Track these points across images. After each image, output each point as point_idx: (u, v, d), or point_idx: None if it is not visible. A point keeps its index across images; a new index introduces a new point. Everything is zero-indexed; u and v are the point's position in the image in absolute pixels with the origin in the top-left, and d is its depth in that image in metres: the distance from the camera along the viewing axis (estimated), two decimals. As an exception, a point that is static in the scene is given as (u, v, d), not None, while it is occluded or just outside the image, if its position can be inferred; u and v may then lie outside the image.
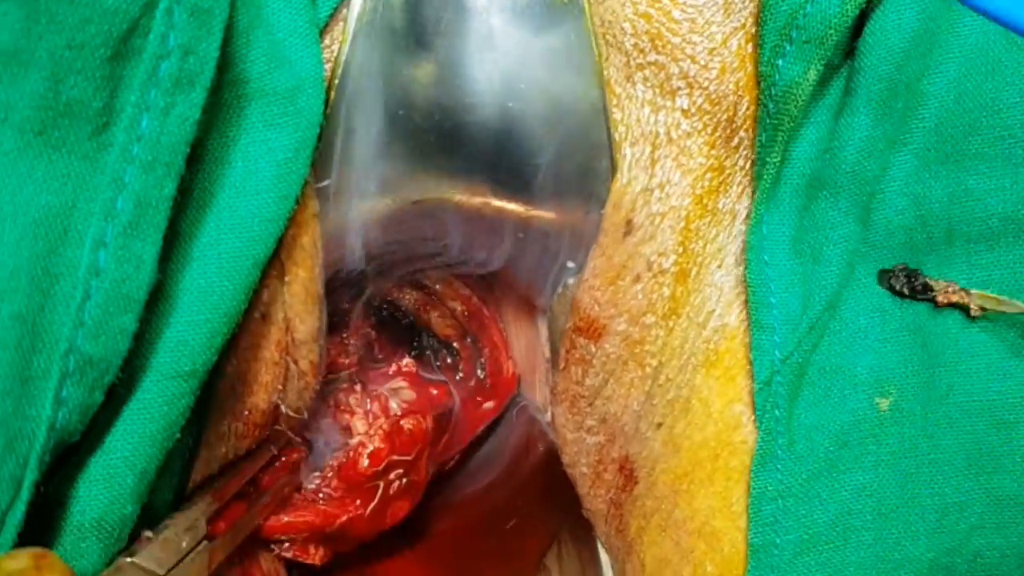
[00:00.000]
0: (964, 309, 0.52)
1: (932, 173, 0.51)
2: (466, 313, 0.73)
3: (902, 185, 0.51)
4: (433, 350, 0.73)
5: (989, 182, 0.51)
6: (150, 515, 0.48)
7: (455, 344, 0.73)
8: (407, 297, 0.73)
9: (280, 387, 0.54)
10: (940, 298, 0.51)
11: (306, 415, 0.57)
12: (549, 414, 0.65)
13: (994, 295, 0.51)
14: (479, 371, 0.73)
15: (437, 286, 0.73)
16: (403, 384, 0.69)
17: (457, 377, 0.73)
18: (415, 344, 0.73)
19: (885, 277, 0.52)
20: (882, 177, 0.50)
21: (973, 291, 0.51)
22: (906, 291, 0.52)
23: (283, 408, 0.55)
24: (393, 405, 0.67)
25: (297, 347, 0.53)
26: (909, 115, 0.50)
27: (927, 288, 0.51)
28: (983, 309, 0.51)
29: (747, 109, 0.52)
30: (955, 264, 0.52)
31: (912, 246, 0.52)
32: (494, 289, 0.73)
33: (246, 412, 0.52)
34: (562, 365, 0.60)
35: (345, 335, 0.68)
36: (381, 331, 0.72)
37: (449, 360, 0.73)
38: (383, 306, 0.73)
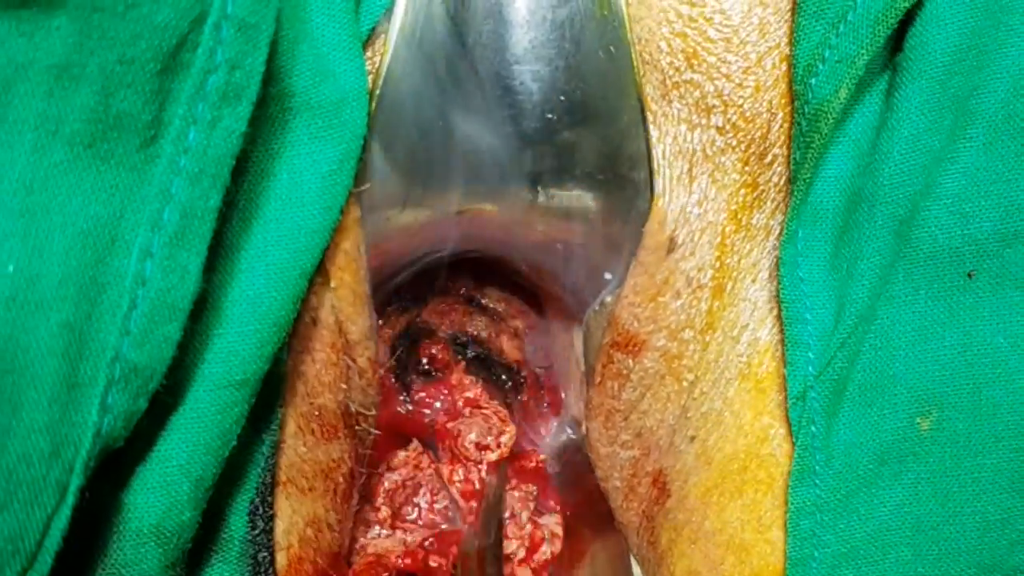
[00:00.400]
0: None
1: (982, 192, 0.50)
2: (526, 330, 0.74)
3: (949, 203, 0.50)
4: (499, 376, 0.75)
5: None
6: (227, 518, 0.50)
7: (523, 370, 0.75)
8: (476, 322, 0.74)
9: (344, 386, 0.55)
10: None
11: (374, 411, 0.58)
12: (583, 428, 0.66)
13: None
14: (541, 391, 0.75)
15: (499, 305, 0.74)
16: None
17: (520, 399, 0.74)
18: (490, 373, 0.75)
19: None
20: (927, 194, 0.50)
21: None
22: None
23: (352, 407, 0.56)
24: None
25: (352, 347, 0.55)
26: (958, 133, 0.50)
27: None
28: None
29: (781, 127, 0.53)
30: (1021, 250, 0.51)
31: (958, 264, 0.51)
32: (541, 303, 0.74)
33: (316, 413, 0.53)
34: (598, 380, 0.61)
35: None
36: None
37: (511, 383, 0.74)
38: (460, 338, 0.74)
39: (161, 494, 0.45)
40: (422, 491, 0.71)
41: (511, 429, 0.71)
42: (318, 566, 0.55)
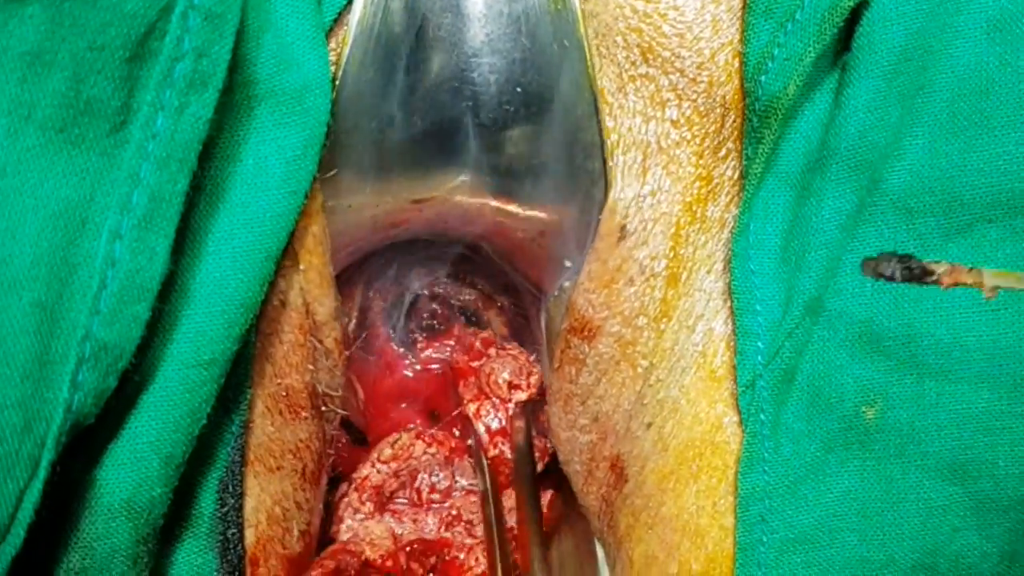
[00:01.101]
0: (974, 291, 0.51)
1: (927, 188, 0.51)
2: (510, 306, 0.76)
3: (895, 199, 0.51)
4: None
5: (1007, 152, 0.50)
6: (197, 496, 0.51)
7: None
8: (464, 295, 0.75)
9: (311, 367, 0.56)
10: (946, 280, 0.51)
11: (340, 392, 0.60)
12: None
13: (1013, 272, 0.51)
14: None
15: (484, 283, 0.76)
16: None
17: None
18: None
19: (870, 266, 0.52)
20: (873, 190, 0.51)
21: (986, 269, 0.51)
22: (899, 276, 0.52)
23: (319, 388, 0.57)
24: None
25: (319, 328, 0.56)
26: (904, 131, 0.51)
27: (926, 272, 0.51)
28: (997, 288, 0.51)
29: (734, 121, 0.54)
30: (963, 245, 0.51)
31: (913, 232, 0.52)
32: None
33: (284, 393, 0.55)
34: (556, 364, 0.62)
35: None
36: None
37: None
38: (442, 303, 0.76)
39: (131, 470, 0.47)
40: (419, 476, 0.73)
41: (538, 370, 0.73)
42: (286, 544, 0.56)
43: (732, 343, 0.56)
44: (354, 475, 0.72)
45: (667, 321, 0.57)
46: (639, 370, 0.58)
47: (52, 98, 0.42)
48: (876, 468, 0.53)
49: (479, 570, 0.71)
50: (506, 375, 0.72)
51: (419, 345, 0.76)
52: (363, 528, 0.70)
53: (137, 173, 0.44)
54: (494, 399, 0.73)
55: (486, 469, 0.70)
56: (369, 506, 0.71)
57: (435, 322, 0.76)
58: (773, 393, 0.53)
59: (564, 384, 0.62)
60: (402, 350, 0.76)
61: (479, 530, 0.72)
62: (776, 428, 0.53)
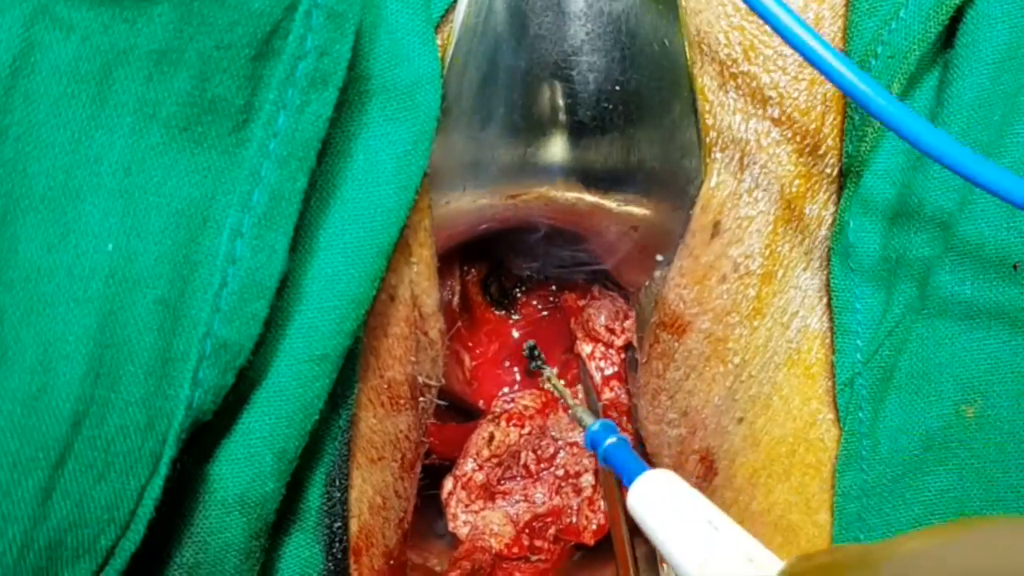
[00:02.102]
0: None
1: None
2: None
3: (1009, 161, 0.51)
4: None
5: None
6: (305, 489, 0.52)
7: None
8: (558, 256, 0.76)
9: (413, 358, 0.56)
10: None
11: (440, 382, 0.60)
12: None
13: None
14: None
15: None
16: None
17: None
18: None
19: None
20: (974, 187, 0.51)
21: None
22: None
23: (420, 379, 0.57)
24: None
25: (425, 320, 0.56)
26: (1006, 128, 0.51)
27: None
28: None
29: (834, 119, 0.54)
30: None
31: (1004, 255, 0.52)
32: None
33: (386, 386, 0.55)
34: (644, 359, 0.62)
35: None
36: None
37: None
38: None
39: (245, 465, 0.47)
40: (522, 454, 0.73)
41: (632, 315, 0.72)
42: (385, 534, 0.57)
43: (827, 340, 0.56)
44: (457, 472, 0.73)
45: (760, 318, 0.57)
46: (730, 366, 0.58)
47: (177, 97, 0.43)
48: (975, 467, 0.53)
49: (594, 526, 0.72)
50: (603, 320, 0.72)
51: (519, 299, 0.77)
52: (481, 520, 0.71)
53: (258, 171, 0.44)
54: (601, 343, 0.73)
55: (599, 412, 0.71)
56: (480, 503, 0.72)
57: (532, 273, 0.76)
58: (872, 391, 0.53)
59: (652, 379, 0.62)
60: (502, 313, 0.77)
61: (583, 479, 0.73)
62: (875, 426, 0.53)
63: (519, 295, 0.77)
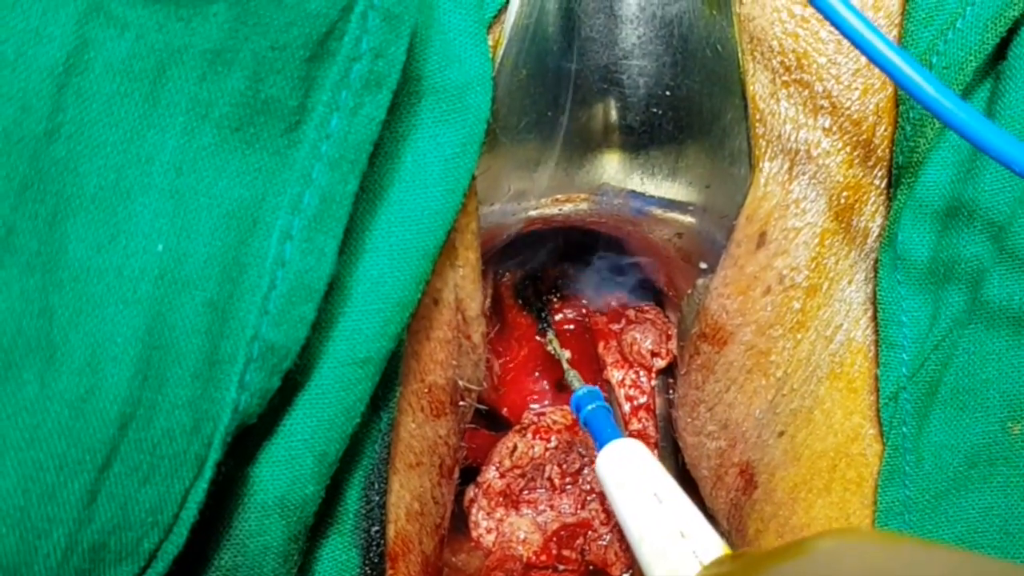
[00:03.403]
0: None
1: None
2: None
3: None
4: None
5: None
6: (344, 493, 0.51)
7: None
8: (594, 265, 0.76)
9: (455, 363, 0.56)
10: None
11: (481, 386, 0.60)
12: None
13: None
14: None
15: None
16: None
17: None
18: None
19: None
20: None
21: None
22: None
23: (461, 383, 0.57)
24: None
25: (469, 324, 0.56)
26: None
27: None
28: None
29: (885, 130, 0.54)
30: None
31: None
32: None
33: (427, 390, 0.55)
34: (683, 371, 0.62)
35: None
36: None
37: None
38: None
39: (286, 468, 0.46)
40: (547, 467, 0.73)
41: (674, 332, 0.72)
42: (422, 539, 0.56)
43: (871, 353, 0.55)
44: (480, 479, 0.73)
45: (804, 331, 0.56)
46: (772, 380, 0.58)
47: (230, 97, 0.42)
48: (1021, 485, 0.52)
49: (623, 563, 0.72)
50: (649, 344, 0.71)
51: (553, 306, 0.77)
52: (509, 527, 0.71)
53: (309, 174, 0.44)
54: (637, 368, 0.72)
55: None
56: (501, 511, 0.72)
57: (566, 282, 0.76)
58: (916, 406, 0.53)
59: (691, 391, 0.62)
60: (532, 318, 0.76)
61: None
62: (918, 441, 0.53)
63: (552, 302, 0.77)
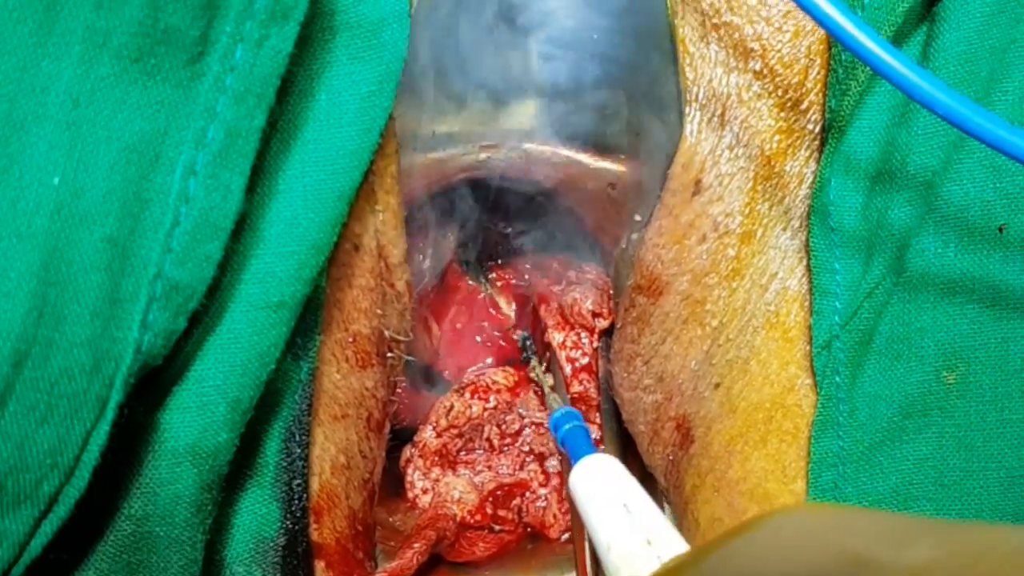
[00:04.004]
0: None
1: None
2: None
3: (981, 156, 0.50)
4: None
5: None
6: (263, 444, 0.50)
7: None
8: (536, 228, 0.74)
9: (380, 312, 0.55)
10: None
11: (408, 337, 0.58)
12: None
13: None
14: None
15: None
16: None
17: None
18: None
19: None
20: (960, 146, 0.50)
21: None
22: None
23: (388, 333, 0.56)
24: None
25: (392, 271, 0.54)
26: (994, 85, 0.49)
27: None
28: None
29: (818, 73, 0.53)
30: None
31: (989, 217, 0.50)
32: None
33: (351, 339, 0.53)
34: (619, 324, 0.61)
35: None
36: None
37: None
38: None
39: (197, 415, 0.45)
40: (486, 428, 0.72)
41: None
42: (349, 494, 0.55)
43: (807, 303, 0.54)
44: (416, 439, 0.72)
45: (739, 279, 0.55)
46: (707, 329, 0.57)
47: (129, 26, 0.41)
48: (956, 435, 0.51)
49: (561, 525, 0.71)
50: (589, 304, 0.70)
51: (493, 274, 0.75)
52: (445, 487, 0.70)
53: (214, 107, 0.43)
54: (579, 330, 0.71)
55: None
56: (437, 471, 0.71)
57: (509, 247, 0.74)
58: (850, 355, 0.52)
59: (627, 344, 0.61)
60: (474, 283, 0.75)
61: (549, 464, 0.72)
62: (852, 391, 0.52)
63: (493, 267, 0.76)
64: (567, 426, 0.56)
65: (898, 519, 0.30)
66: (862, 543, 0.28)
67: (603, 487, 0.48)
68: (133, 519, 0.45)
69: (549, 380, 0.70)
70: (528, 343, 0.73)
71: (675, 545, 0.43)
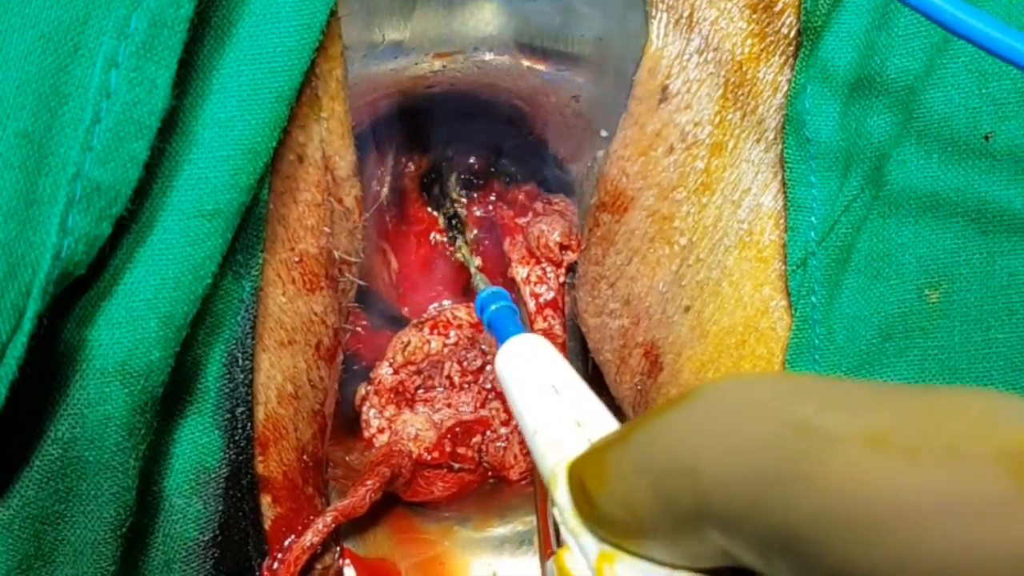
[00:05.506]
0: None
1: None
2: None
3: (967, 60, 0.47)
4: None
5: None
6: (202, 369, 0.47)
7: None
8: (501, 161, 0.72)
9: (327, 230, 0.51)
10: None
11: (359, 258, 0.55)
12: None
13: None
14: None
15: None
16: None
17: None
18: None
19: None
20: (943, 49, 0.47)
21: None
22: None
23: (337, 254, 0.52)
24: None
25: (339, 185, 0.51)
26: None
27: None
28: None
29: (793, -29, 0.50)
30: None
31: (974, 125, 0.48)
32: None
33: (297, 259, 0.50)
34: (584, 246, 0.58)
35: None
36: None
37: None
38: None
39: (127, 330, 0.42)
40: (446, 365, 0.69)
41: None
42: (297, 425, 0.52)
43: (782, 221, 0.51)
44: (372, 375, 0.69)
45: (709, 195, 0.52)
46: (676, 248, 0.54)
47: None
48: (939, 358, 0.49)
49: (522, 466, 0.69)
50: (557, 236, 0.67)
51: (456, 205, 0.72)
52: (402, 424, 0.67)
53: (136, -7, 0.39)
54: (545, 264, 0.68)
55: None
56: (392, 408, 0.68)
57: (472, 178, 0.71)
58: (826, 273, 0.49)
59: (591, 267, 0.58)
60: (437, 213, 0.72)
61: None
62: (829, 312, 0.49)
63: (457, 199, 0.73)
64: (494, 306, 0.53)
65: (851, 384, 0.27)
66: (810, 410, 0.26)
67: (530, 368, 0.45)
68: (60, 442, 0.42)
69: (476, 261, 0.67)
70: (454, 222, 0.70)
71: (607, 426, 0.40)
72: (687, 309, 0.54)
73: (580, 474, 0.34)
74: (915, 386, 0.32)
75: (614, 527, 0.33)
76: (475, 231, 0.70)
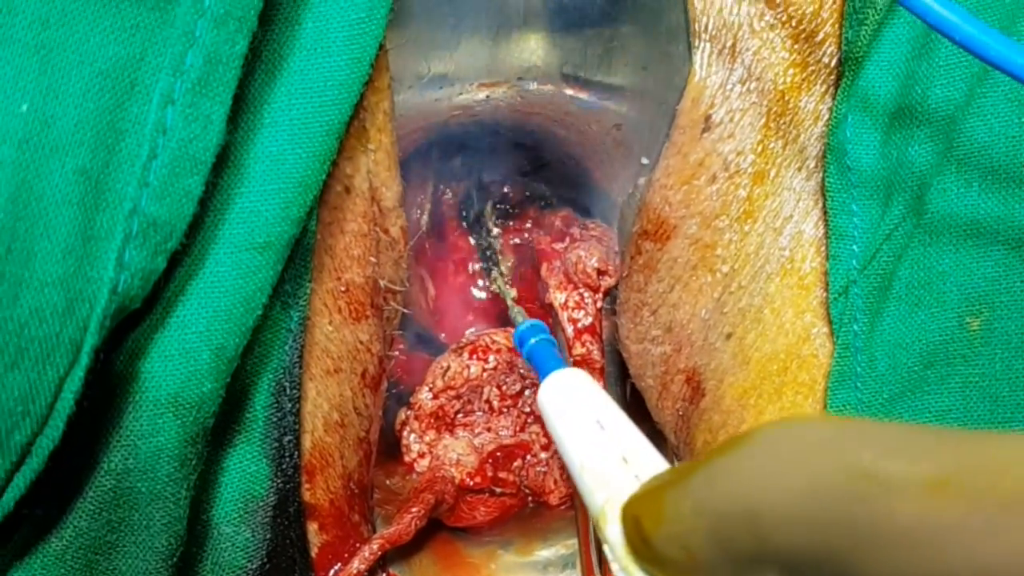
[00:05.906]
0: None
1: None
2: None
3: (1007, 89, 0.47)
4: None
5: None
6: (251, 398, 0.47)
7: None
8: (537, 185, 0.72)
9: (374, 259, 0.52)
10: None
11: (404, 287, 0.56)
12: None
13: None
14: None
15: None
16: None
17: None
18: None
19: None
20: (983, 79, 0.47)
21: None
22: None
23: (382, 283, 0.53)
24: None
25: (385, 215, 0.52)
26: (1019, 14, 0.47)
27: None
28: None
29: (834, 3, 0.50)
30: None
31: (1014, 153, 0.48)
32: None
33: (343, 289, 0.51)
34: (625, 273, 0.58)
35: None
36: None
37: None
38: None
39: (180, 362, 0.43)
40: (485, 389, 0.70)
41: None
42: (343, 453, 0.52)
43: (823, 248, 0.51)
44: (412, 400, 0.70)
45: (752, 223, 0.53)
46: (718, 275, 0.54)
47: None
48: (980, 385, 0.49)
49: (562, 491, 0.69)
50: (594, 262, 0.67)
51: (494, 231, 0.72)
52: (443, 449, 0.68)
53: (192, 31, 0.40)
54: (582, 289, 0.68)
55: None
56: (433, 433, 0.68)
57: (508, 207, 0.72)
58: (868, 301, 0.49)
59: (633, 293, 0.58)
60: (475, 240, 0.72)
61: None
62: (871, 340, 0.49)
63: (494, 225, 0.73)
64: (533, 340, 0.53)
65: (910, 429, 0.27)
66: (870, 456, 0.26)
67: (574, 403, 0.45)
68: (113, 473, 0.43)
69: (512, 293, 0.67)
70: (489, 253, 0.70)
71: (653, 463, 0.40)
72: (729, 336, 0.54)
73: (636, 513, 0.34)
74: (969, 432, 0.32)
75: (670, 567, 0.33)
76: (511, 260, 0.70)
